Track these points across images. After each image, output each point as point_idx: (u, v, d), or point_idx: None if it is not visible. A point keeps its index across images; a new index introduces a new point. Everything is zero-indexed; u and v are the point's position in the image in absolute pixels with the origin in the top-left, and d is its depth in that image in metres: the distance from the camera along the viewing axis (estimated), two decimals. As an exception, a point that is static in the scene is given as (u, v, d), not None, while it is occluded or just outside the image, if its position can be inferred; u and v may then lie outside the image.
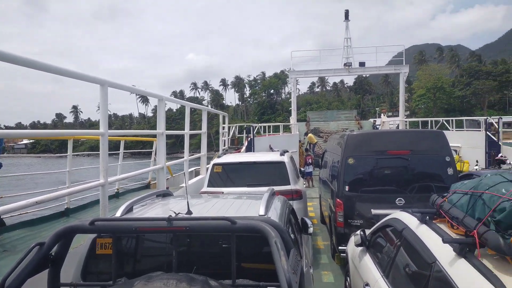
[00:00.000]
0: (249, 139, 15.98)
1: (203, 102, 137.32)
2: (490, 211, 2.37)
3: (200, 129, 9.57)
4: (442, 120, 21.41)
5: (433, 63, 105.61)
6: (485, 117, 15.27)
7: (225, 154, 9.28)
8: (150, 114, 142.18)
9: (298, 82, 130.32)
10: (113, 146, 10.11)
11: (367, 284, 3.68)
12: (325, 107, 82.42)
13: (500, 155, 11.92)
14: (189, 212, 3.01)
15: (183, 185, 8.37)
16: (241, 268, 3.06)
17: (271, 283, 2.58)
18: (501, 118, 14.42)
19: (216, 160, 7.85)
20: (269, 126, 23.65)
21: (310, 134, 21.50)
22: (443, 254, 2.56)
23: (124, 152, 10.24)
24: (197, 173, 10.92)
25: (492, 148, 12.82)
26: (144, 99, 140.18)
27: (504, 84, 76.74)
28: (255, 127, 18.22)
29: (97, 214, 5.21)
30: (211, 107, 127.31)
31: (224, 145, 15.57)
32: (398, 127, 23.99)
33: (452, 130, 19.10)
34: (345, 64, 25.42)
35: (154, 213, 3.40)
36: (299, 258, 2.86)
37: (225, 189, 6.94)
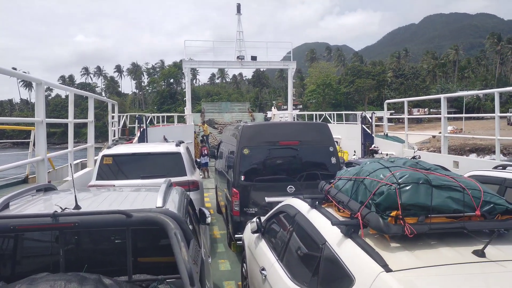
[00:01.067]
0: (141, 129, 15.31)
1: (96, 89, 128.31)
2: (371, 195, 2.65)
3: (98, 119, 8.84)
4: (325, 114, 23.28)
5: (323, 61, 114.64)
6: (361, 112, 17.04)
7: (115, 145, 8.74)
8: (33, 99, 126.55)
9: (198, 73, 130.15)
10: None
11: (263, 269, 3.84)
12: (226, 98, 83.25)
13: (373, 145, 13.43)
14: (77, 206, 2.76)
15: (68, 178, 7.67)
16: (138, 263, 2.93)
17: (170, 276, 2.52)
18: (374, 113, 16.27)
19: (105, 151, 7.35)
20: (163, 117, 22.97)
21: (205, 125, 21.48)
22: (332, 235, 2.79)
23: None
24: (83, 165, 10.11)
25: (367, 139, 14.38)
26: (27, 84, 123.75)
27: (381, 83, 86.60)
28: (148, 117, 17.52)
29: None
30: (106, 95, 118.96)
31: (114, 136, 14.66)
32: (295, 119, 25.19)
33: (334, 123, 20.90)
34: (238, 57, 25.89)
35: (36, 209, 3.04)
36: (199, 249, 2.84)
37: (116, 182, 6.55)
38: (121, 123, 17.04)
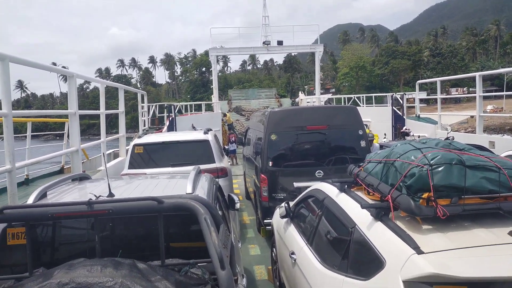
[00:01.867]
0: (170, 118, 15.55)
1: (132, 80, 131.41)
2: (402, 177, 2.60)
3: (135, 109, 9.07)
4: (354, 97, 22.84)
5: (356, 42, 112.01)
6: (391, 94, 16.58)
7: (146, 134, 8.94)
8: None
9: (229, 60, 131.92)
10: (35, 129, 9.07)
11: (292, 253, 3.86)
12: (257, 85, 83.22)
13: (404, 128, 13.09)
14: (111, 194, 2.86)
15: (101, 168, 7.93)
16: (170, 248, 3.01)
17: (202, 260, 2.58)
18: (405, 94, 15.80)
19: (136, 141, 7.52)
20: (191, 105, 23.21)
21: (228, 114, 21.53)
22: (361, 219, 2.76)
23: (34, 135, 9.35)
24: (116, 155, 10.39)
25: (398, 121, 14.03)
26: (65, 77, 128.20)
27: (417, 63, 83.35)
28: (176, 106, 17.76)
29: (5, 203, 4.73)
30: (141, 86, 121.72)
31: (144, 126, 14.97)
32: (328, 102, 24.75)
33: (363, 106, 20.48)
34: (264, 43, 25.67)
35: (71, 197, 3.18)
36: (229, 233, 2.89)
37: (147, 170, 6.71)
38: (151, 112, 17.36)
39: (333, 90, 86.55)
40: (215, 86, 25.62)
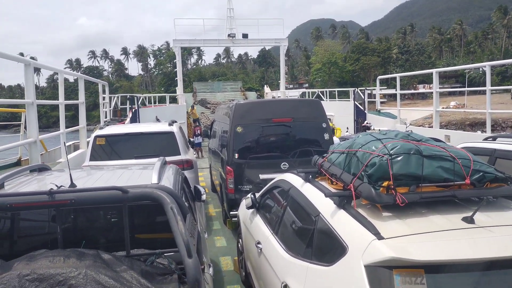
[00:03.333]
0: (133, 110, 15.19)
1: (104, 72, 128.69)
2: (363, 166, 2.70)
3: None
4: (318, 91, 23.22)
5: (328, 39, 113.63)
6: (353, 88, 16.99)
7: (107, 125, 8.70)
8: (44, 84, 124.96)
9: (204, 53, 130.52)
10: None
11: (258, 242, 3.91)
12: (232, 78, 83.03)
13: (366, 122, 13.49)
14: (72, 185, 2.77)
15: (61, 160, 7.65)
16: (135, 239, 2.97)
17: (168, 250, 2.57)
18: (367, 89, 16.26)
19: (98, 132, 7.31)
20: (154, 97, 22.76)
21: (194, 110, 21.26)
22: (325, 207, 2.84)
23: None
24: (76, 147, 10.06)
25: (360, 116, 14.43)
26: (35, 68, 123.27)
27: (386, 60, 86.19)
28: (140, 97, 17.36)
29: None
30: (113, 78, 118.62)
31: (106, 117, 14.54)
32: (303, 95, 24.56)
33: (326, 100, 20.89)
34: (229, 35, 25.53)
35: (31, 188, 3.05)
36: (195, 223, 2.89)
37: (110, 163, 6.55)
38: (113, 104, 16.87)
39: (306, 84, 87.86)
40: (179, 78, 25.27)
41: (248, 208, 4.69)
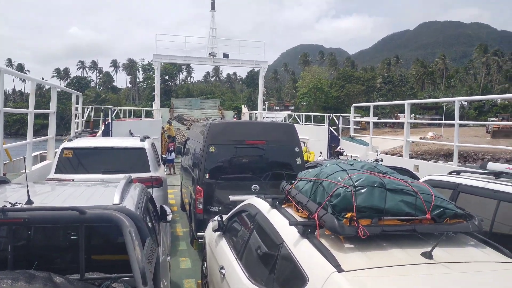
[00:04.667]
0: (106, 122, 14.90)
1: (91, 83, 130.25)
2: (328, 196, 2.71)
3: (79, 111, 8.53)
4: (294, 114, 23.50)
5: (315, 64, 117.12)
6: (328, 114, 17.29)
7: (77, 137, 8.48)
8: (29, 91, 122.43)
9: (193, 70, 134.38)
10: None
11: (222, 267, 3.83)
12: (220, 97, 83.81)
13: (339, 147, 13.70)
14: (29, 201, 2.66)
15: (25, 170, 7.37)
16: (92, 261, 2.86)
17: (124, 274, 2.48)
18: (341, 116, 16.58)
19: (66, 144, 7.12)
20: (130, 110, 22.45)
21: (171, 127, 21.01)
22: (289, 235, 2.82)
23: None
24: (43, 158, 9.74)
25: (333, 141, 14.65)
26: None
27: (370, 89, 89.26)
28: (114, 110, 17.09)
29: None
30: (99, 89, 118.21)
31: (77, 128, 14.20)
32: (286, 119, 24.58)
33: (302, 124, 21.15)
34: (210, 54, 25.68)
35: None
36: (155, 247, 2.80)
37: (76, 176, 6.36)
38: (85, 115, 16.52)
39: (292, 107, 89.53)
40: (156, 93, 25.07)
41: (215, 230, 4.61)
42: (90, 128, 16.31)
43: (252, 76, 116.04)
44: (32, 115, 7.06)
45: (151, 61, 25.90)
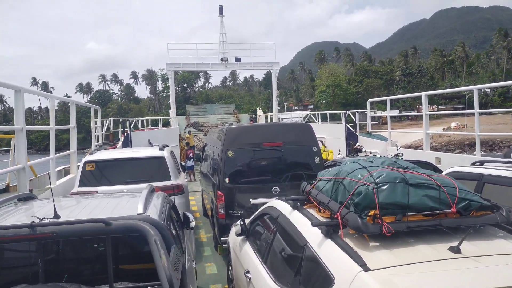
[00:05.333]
0: (125, 134, 15.16)
1: (113, 96, 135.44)
2: (350, 195, 2.69)
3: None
4: (309, 113, 23.40)
5: (332, 62, 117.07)
6: (345, 111, 17.13)
7: (98, 150, 8.65)
8: (56, 108, 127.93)
9: (210, 76, 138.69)
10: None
11: (247, 271, 3.85)
12: (238, 101, 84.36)
13: (357, 144, 13.57)
14: (56, 216, 2.73)
15: (49, 186, 7.56)
16: (120, 271, 2.91)
17: (152, 283, 2.52)
18: (358, 112, 16.41)
19: (88, 157, 7.27)
20: (147, 120, 22.78)
21: (190, 136, 21.14)
22: (312, 236, 2.81)
23: None
24: (66, 172, 9.97)
25: (351, 138, 14.52)
26: (46, 92, 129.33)
27: (389, 82, 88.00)
28: (132, 121, 17.36)
29: None
30: (122, 101, 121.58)
31: (98, 141, 14.49)
32: (305, 119, 24.36)
33: (318, 123, 21.04)
34: (221, 59, 25.86)
35: (15, 219, 2.99)
36: (181, 254, 2.84)
37: (99, 188, 6.49)
38: (105, 128, 16.84)
39: (311, 106, 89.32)
40: (172, 101, 25.39)
41: (238, 235, 4.63)
42: (110, 140, 16.61)
43: (269, 78, 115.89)
44: (53, 131, 7.24)
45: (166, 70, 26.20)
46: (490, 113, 54.31)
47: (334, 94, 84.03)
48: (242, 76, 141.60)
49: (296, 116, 28.18)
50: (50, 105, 7.38)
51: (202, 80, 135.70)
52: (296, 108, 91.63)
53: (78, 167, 8.08)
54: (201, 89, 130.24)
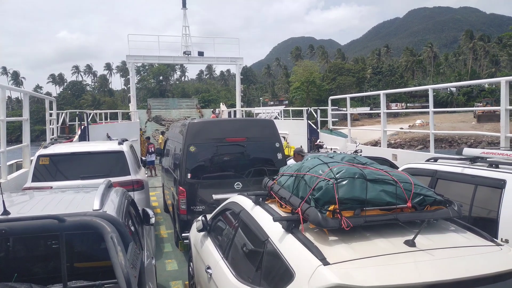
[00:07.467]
0: (82, 127, 14.59)
1: (87, 87, 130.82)
2: (310, 190, 2.72)
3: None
4: (282, 110, 23.53)
5: (306, 58, 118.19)
6: (306, 108, 17.37)
7: (53, 144, 8.27)
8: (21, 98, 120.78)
9: (187, 70, 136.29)
10: None
11: (208, 267, 3.82)
12: (215, 95, 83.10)
13: (318, 140, 13.81)
14: (5, 212, 2.58)
15: (0, 180, 7.15)
16: (75, 269, 2.80)
17: (109, 281, 2.44)
18: (319, 109, 16.69)
19: (42, 151, 6.93)
20: (105, 113, 22.05)
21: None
22: (274, 231, 2.83)
23: None
24: (19, 166, 9.46)
25: (313, 134, 14.75)
26: (17, 82, 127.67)
27: (361, 80, 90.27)
28: (90, 114, 16.74)
29: None
30: (97, 93, 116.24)
31: (53, 134, 13.85)
32: (279, 115, 24.20)
33: (281, 119, 21.22)
34: (184, 53, 25.42)
35: None
36: (139, 251, 2.76)
37: (54, 184, 6.21)
38: (60, 120, 16.13)
39: (286, 102, 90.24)
40: (132, 94, 24.69)
41: (199, 230, 4.58)
42: (66, 133, 15.94)
43: (245, 73, 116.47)
44: (4, 123, 6.86)
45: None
46: (454, 112, 57.00)
47: (308, 90, 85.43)
48: (218, 70, 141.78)
49: (270, 111, 28.15)
50: (0, 96, 6.96)
51: (178, 73, 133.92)
52: (272, 103, 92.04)
53: (31, 161, 7.70)
54: (177, 82, 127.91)
